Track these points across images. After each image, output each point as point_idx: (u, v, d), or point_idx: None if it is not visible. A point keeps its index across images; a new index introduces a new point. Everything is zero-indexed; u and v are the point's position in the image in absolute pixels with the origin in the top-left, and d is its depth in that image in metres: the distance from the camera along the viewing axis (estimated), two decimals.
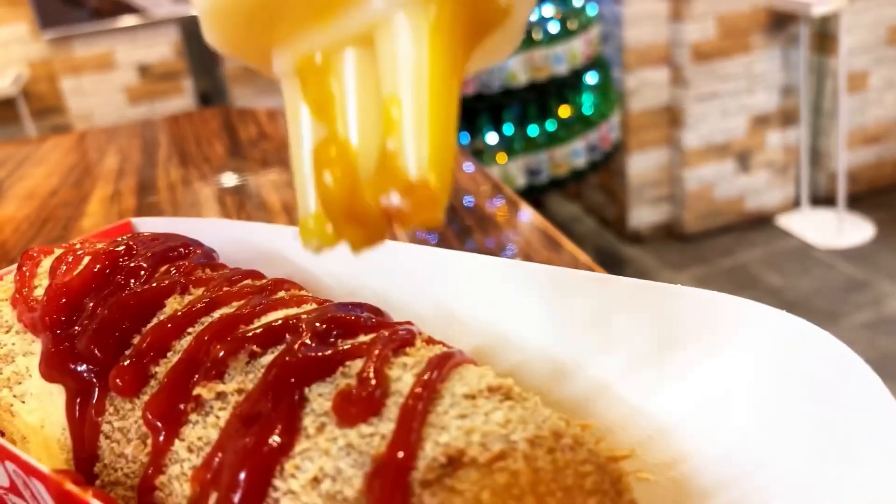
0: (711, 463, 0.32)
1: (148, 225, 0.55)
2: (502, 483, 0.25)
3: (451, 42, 0.24)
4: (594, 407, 0.36)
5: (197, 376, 0.32)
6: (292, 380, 0.30)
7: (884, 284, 2.60)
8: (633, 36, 2.87)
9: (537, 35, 2.37)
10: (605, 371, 0.36)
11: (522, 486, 0.25)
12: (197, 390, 0.32)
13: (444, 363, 0.30)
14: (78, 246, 0.43)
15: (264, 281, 0.40)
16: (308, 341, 0.32)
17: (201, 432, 0.31)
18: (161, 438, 0.32)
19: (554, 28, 2.41)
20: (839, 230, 2.92)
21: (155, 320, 0.37)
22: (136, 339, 0.36)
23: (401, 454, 0.26)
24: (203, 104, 3.08)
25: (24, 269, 0.43)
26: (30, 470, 0.32)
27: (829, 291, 2.61)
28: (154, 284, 0.39)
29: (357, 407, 0.28)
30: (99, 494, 0.30)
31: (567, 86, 2.50)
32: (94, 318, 0.37)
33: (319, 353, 0.31)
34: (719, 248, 3.00)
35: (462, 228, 0.78)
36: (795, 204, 3.16)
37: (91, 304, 0.38)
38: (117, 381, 0.34)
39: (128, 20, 2.85)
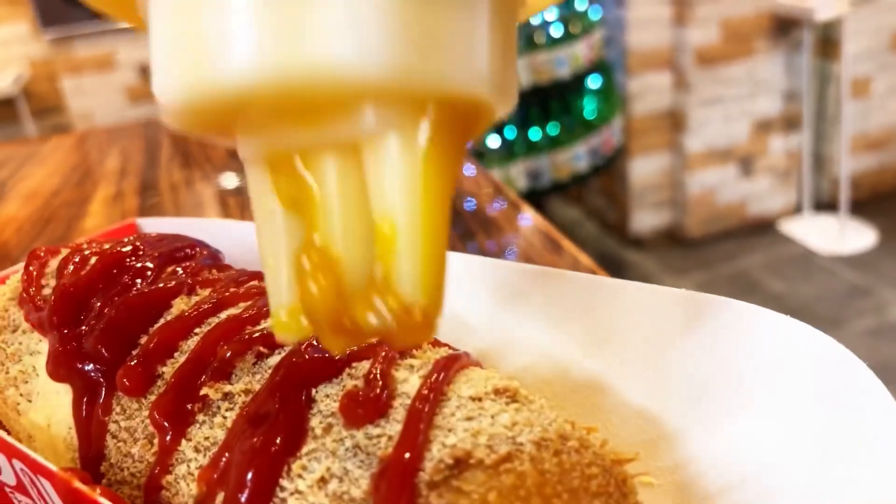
0: (714, 467, 0.32)
1: (153, 225, 0.55)
2: (509, 485, 0.25)
3: (446, 158, 0.23)
4: (599, 409, 0.36)
5: (204, 376, 0.33)
6: (299, 381, 0.31)
7: (886, 291, 2.59)
8: (636, 40, 2.87)
9: (540, 38, 2.38)
10: (609, 374, 0.37)
11: (529, 487, 0.25)
12: (204, 390, 0.32)
13: (451, 365, 0.30)
14: (84, 246, 0.43)
15: None
16: (315, 342, 0.32)
17: (208, 432, 0.31)
18: (168, 438, 0.32)
19: (557, 31, 2.41)
20: (842, 236, 2.92)
21: (162, 320, 0.37)
22: (143, 339, 0.36)
23: (408, 455, 0.26)
24: None
25: (31, 268, 0.43)
26: (37, 468, 0.32)
27: (831, 298, 2.60)
28: (161, 285, 0.39)
29: (364, 408, 0.28)
30: (107, 493, 0.30)
31: (569, 89, 2.50)
32: (101, 318, 0.37)
33: (326, 354, 0.31)
34: (721, 253, 2.99)
35: (464, 231, 0.78)
36: (798, 209, 3.16)
37: (98, 304, 0.38)
38: (124, 380, 0.34)
39: None
